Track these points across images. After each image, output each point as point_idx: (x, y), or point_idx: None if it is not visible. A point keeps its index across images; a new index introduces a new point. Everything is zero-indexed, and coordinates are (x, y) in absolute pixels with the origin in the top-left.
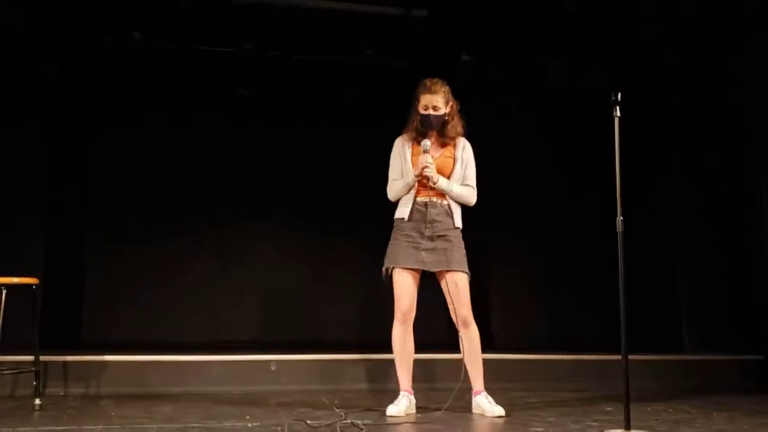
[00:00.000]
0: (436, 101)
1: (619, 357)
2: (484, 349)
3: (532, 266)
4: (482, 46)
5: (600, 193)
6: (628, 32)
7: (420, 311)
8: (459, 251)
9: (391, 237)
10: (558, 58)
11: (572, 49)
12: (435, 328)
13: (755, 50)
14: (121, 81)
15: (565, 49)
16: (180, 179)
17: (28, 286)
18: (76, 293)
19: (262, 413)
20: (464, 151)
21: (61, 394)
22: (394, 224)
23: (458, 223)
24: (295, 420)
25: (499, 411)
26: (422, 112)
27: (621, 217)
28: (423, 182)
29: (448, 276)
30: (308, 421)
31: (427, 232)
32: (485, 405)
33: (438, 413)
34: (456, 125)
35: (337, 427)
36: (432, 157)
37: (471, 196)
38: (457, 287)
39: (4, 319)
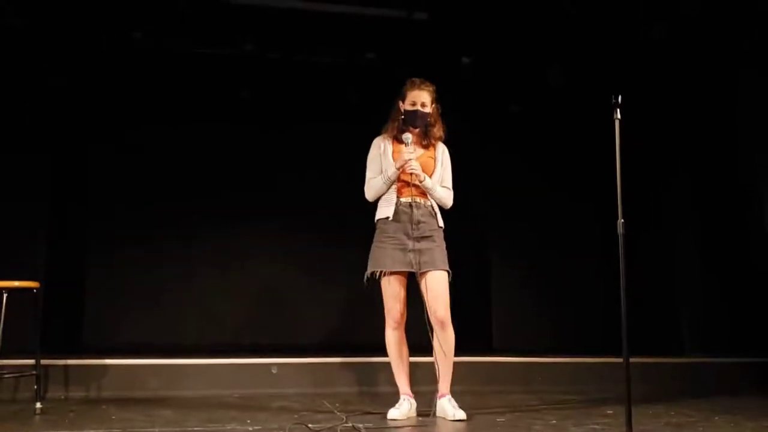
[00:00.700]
0: (424, 98)
1: (620, 360)
2: (485, 352)
3: (532, 269)
4: (483, 49)
5: (601, 196)
6: (628, 35)
7: (417, 313)
8: (443, 251)
9: (375, 239)
10: (558, 60)
11: (572, 52)
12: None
13: (756, 51)
14: (121, 84)
15: (565, 52)
16: (180, 182)
17: (29, 289)
18: (77, 297)
19: (263, 416)
20: (444, 153)
21: (62, 397)
22: (377, 226)
23: (441, 222)
24: (296, 423)
25: (461, 415)
26: (409, 108)
27: (622, 220)
28: (405, 180)
29: (430, 275)
30: (309, 425)
31: (414, 233)
32: (448, 408)
33: (432, 417)
34: (440, 129)
35: (338, 431)
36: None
37: (449, 198)
38: (439, 286)
39: (5, 323)
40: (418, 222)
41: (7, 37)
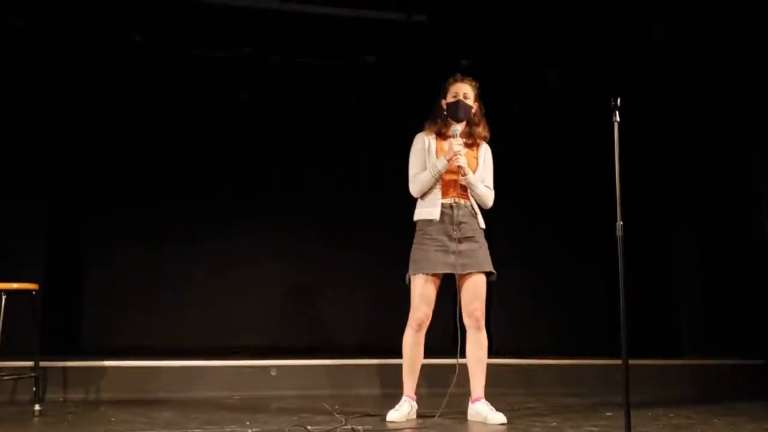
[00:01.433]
0: (466, 90)
1: (619, 361)
2: None
3: (532, 270)
4: (482, 51)
5: (601, 197)
6: (628, 35)
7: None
8: (485, 252)
9: (416, 241)
10: (558, 62)
11: (572, 53)
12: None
13: (755, 51)
14: (121, 84)
15: (564, 53)
16: (180, 183)
17: (28, 291)
18: (75, 299)
19: (262, 418)
20: (486, 153)
21: (61, 399)
22: (418, 227)
23: (482, 223)
24: (295, 425)
25: (501, 418)
26: (451, 99)
27: (621, 222)
28: (453, 175)
29: (471, 276)
30: (308, 427)
31: (456, 234)
32: (486, 412)
33: (435, 419)
34: (484, 128)
35: None
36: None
37: (490, 198)
38: (478, 288)
39: (3, 324)
40: (460, 223)
41: (7, 37)
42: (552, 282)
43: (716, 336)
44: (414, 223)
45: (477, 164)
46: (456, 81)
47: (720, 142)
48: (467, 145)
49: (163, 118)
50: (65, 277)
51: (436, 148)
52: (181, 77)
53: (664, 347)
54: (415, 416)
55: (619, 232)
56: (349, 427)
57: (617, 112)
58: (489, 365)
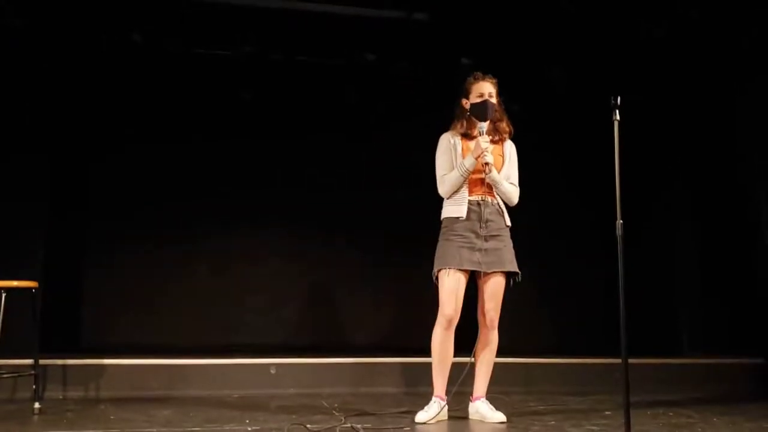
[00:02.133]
0: (490, 89)
1: (619, 360)
2: None
3: (532, 269)
4: (483, 50)
5: (601, 196)
6: (628, 35)
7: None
8: (510, 251)
9: (441, 238)
10: (558, 61)
11: (572, 52)
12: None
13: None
14: (121, 84)
15: (565, 52)
16: (180, 182)
17: (28, 289)
18: (75, 297)
19: (261, 417)
20: (511, 149)
21: (61, 397)
22: (444, 224)
23: (508, 221)
24: (294, 424)
25: (500, 417)
26: (477, 100)
27: (620, 221)
28: (480, 174)
29: (493, 277)
30: (308, 425)
31: (482, 232)
32: (486, 411)
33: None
34: (507, 124)
35: (337, 431)
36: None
37: (515, 195)
38: (497, 288)
39: (3, 322)
40: (487, 220)
41: (7, 37)
42: (552, 281)
43: (716, 335)
44: (439, 222)
45: (503, 161)
46: (477, 80)
47: (718, 141)
48: (493, 142)
49: (163, 117)
50: (65, 275)
51: (462, 147)
52: (181, 77)
53: (663, 346)
54: (445, 417)
55: (618, 231)
56: (349, 425)
57: (617, 111)
58: None
